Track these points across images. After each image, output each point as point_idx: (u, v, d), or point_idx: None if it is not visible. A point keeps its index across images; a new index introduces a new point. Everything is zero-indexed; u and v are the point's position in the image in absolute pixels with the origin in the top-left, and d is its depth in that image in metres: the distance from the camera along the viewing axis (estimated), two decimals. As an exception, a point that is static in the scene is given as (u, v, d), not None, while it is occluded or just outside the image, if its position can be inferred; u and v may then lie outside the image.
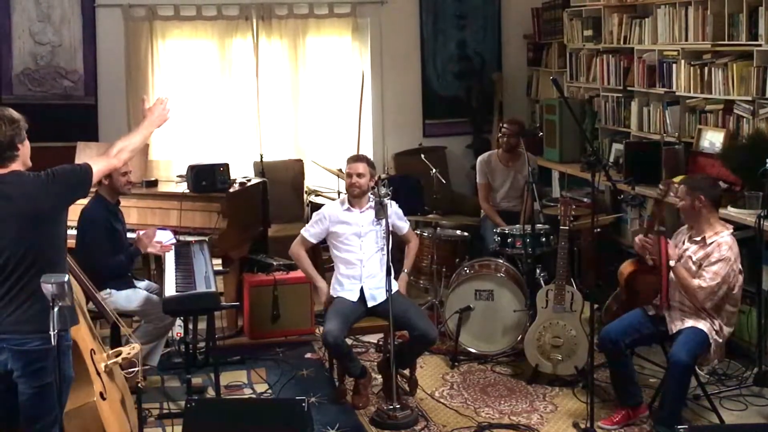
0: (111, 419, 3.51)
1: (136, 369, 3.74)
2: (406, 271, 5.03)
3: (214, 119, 7.34)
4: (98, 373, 3.55)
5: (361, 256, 4.82)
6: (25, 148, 3.31)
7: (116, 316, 4.22)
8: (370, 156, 7.18)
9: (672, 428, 3.98)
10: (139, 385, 3.78)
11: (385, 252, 4.65)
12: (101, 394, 3.49)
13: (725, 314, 4.24)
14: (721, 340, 4.24)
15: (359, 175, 4.81)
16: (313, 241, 4.96)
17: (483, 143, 7.79)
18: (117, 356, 3.67)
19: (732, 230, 4.30)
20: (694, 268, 4.27)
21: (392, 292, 4.53)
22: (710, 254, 4.21)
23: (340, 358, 4.71)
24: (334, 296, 4.83)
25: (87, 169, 3.33)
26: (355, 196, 4.86)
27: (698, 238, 4.30)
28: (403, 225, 5.02)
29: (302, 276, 5.79)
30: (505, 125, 6.27)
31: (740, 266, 4.25)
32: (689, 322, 4.24)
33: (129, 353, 3.68)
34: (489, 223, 6.17)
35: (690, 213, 4.32)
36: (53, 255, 3.26)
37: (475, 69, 7.95)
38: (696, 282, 4.18)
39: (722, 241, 4.21)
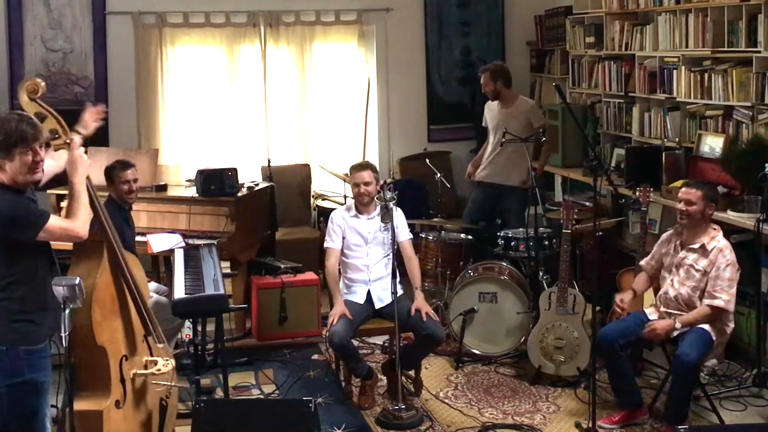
0: (119, 430, 3.38)
1: (168, 384, 3.59)
2: (418, 287, 4.87)
3: (222, 124, 7.41)
4: (123, 380, 3.45)
5: (367, 261, 4.87)
6: (15, 164, 3.09)
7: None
8: (376, 160, 7.28)
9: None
10: (163, 402, 3.65)
11: (391, 257, 4.71)
12: (117, 402, 3.40)
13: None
14: (723, 340, 4.29)
15: (366, 184, 4.85)
16: (338, 246, 4.89)
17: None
18: (149, 368, 3.54)
19: (722, 232, 4.37)
20: (698, 276, 4.29)
21: (398, 295, 4.60)
22: (715, 262, 4.24)
23: (346, 359, 4.77)
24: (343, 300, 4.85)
25: (43, 219, 3.11)
26: (364, 204, 4.92)
27: (696, 246, 4.33)
28: (404, 233, 4.96)
29: (309, 279, 5.88)
30: (481, 78, 6.36)
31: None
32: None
33: (160, 369, 3.54)
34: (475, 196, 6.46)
35: (697, 219, 4.32)
36: (15, 275, 3.13)
37: (478, 75, 7.99)
38: (714, 302, 4.20)
39: (722, 245, 4.26)
